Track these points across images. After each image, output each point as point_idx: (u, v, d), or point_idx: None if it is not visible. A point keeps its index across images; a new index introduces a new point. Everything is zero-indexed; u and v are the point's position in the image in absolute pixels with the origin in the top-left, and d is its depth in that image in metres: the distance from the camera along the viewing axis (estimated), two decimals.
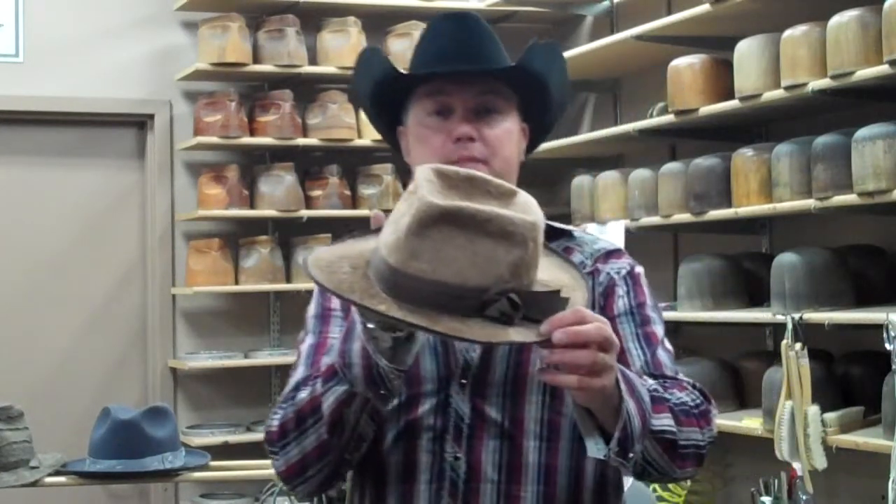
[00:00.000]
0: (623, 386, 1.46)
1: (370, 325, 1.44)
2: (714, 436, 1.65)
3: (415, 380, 1.62)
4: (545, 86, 1.75)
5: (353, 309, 1.46)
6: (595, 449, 1.47)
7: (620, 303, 1.71)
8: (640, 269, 1.77)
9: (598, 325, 1.38)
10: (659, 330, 1.72)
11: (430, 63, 1.71)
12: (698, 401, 1.64)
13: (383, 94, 1.75)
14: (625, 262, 1.75)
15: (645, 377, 1.60)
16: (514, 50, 1.72)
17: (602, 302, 1.70)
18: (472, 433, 1.62)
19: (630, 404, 1.46)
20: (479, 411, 1.62)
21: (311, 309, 1.73)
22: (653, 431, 1.53)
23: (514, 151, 1.73)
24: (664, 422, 1.55)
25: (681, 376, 1.69)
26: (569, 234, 1.77)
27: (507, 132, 1.71)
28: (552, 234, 1.68)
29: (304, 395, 1.59)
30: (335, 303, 1.69)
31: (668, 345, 1.73)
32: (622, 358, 1.56)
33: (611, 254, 1.75)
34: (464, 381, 1.62)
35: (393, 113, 1.77)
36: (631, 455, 1.48)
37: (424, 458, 1.62)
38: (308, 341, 1.70)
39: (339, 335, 1.58)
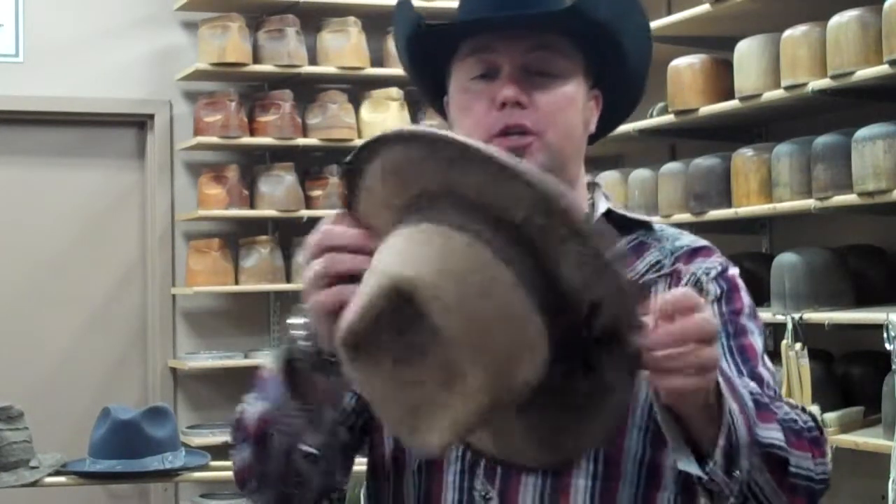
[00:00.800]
0: (723, 383, 1.16)
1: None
2: (828, 473, 1.34)
3: (436, 462, 1.36)
4: (616, 40, 1.43)
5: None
6: (689, 465, 1.16)
7: (711, 309, 1.33)
8: (734, 271, 1.46)
9: (701, 315, 1.10)
10: (758, 343, 1.39)
11: (471, 12, 1.41)
12: (810, 423, 1.31)
13: (420, 55, 1.47)
14: (715, 262, 1.44)
15: (744, 378, 1.30)
16: None
17: None
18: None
19: (734, 407, 1.17)
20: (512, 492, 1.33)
21: None
22: (759, 444, 1.20)
23: (576, 122, 1.41)
24: (773, 434, 1.23)
25: (787, 399, 1.37)
26: (647, 227, 1.47)
27: (567, 98, 1.40)
28: (623, 226, 1.41)
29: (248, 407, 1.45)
30: None
31: (768, 362, 1.39)
32: None
33: (697, 252, 1.44)
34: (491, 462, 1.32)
35: (441, 79, 1.48)
36: (737, 474, 1.17)
37: (450, 496, 1.35)
38: None
39: None
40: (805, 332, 3.46)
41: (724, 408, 1.15)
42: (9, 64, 5.11)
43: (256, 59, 5.15)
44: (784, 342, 3.47)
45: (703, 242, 1.47)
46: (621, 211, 1.46)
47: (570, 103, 1.40)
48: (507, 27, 1.37)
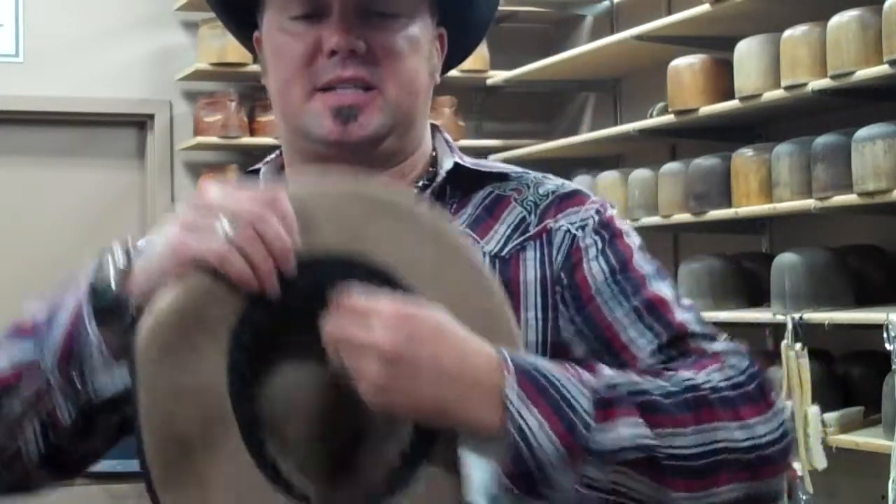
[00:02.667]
0: (512, 390, 0.95)
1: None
2: (777, 432, 1.06)
3: None
4: None
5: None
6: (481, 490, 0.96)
7: (595, 268, 1.13)
8: (612, 212, 1.18)
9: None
10: (662, 287, 1.14)
11: None
12: (739, 377, 1.05)
13: None
14: (590, 209, 1.17)
15: (601, 365, 1.03)
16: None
17: (567, 278, 1.14)
18: None
19: (527, 417, 0.95)
20: None
21: None
22: (592, 452, 0.96)
23: (421, 72, 1.18)
24: (620, 433, 0.97)
25: (719, 346, 1.11)
26: (502, 177, 1.21)
27: (412, 42, 1.16)
28: (476, 180, 1.20)
29: None
30: None
31: (685, 301, 1.15)
32: (626, 355, 1.09)
33: (566, 199, 1.17)
34: None
35: (249, 12, 1.24)
36: (547, 493, 0.96)
37: None
38: None
39: None
40: (805, 332, 3.46)
41: (506, 427, 0.95)
42: (9, 64, 5.11)
43: (256, 59, 5.13)
44: (784, 342, 3.47)
45: (572, 186, 1.21)
46: (470, 163, 1.22)
47: (415, 49, 1.16)
48: None
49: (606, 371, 1.02)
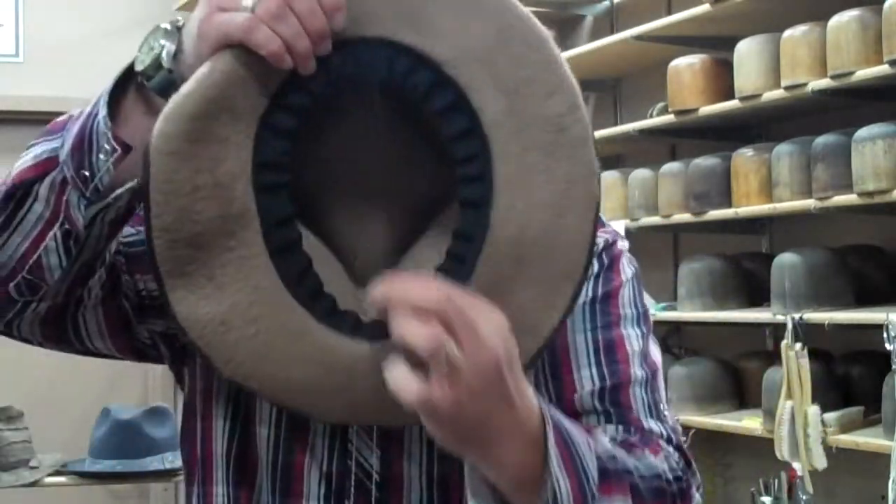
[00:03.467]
0: (553, 450, 0.94)
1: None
2: None
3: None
4: None
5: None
6: None
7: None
8: (623, 245, 1.19)
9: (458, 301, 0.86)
10: (633, 336, 1.12)
11: None
12: (678, 472, 1.07)
13: None
14: (602, 235, 1.16)
15: (597, 429, 1.06)
16: None
17: None
18: (385, 498, 1.11)
19: (560, 481, 0.94)
20: (395, 465, 1.11)
21: None
22: None
23: None
24: None
25: (654, 424, 1.10)
26: None
27: None
28: None
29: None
30: None
31: (651, 362, 1.13)
32: (567, 381, 1.09)
33: None
34: None
35: None
36: None
37: (316, 468, 1.11)
38: None
39: None
40: (805, 332, 3.46)
41: (547, 486, 0.93)
42: (9, 64, 5.11)
43: None
44: (784, 342, 3.47)
45: None
46: None
47: None
48: None
49: (601, 437, 1.02)
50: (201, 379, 1.16)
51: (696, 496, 1.09)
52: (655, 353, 1.16)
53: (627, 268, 1.17)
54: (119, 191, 1.01)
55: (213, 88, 0.92)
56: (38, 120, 5.27)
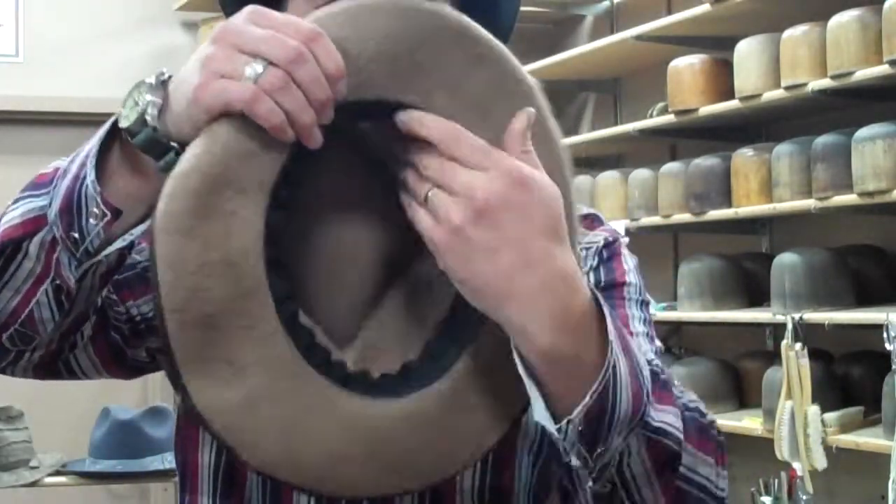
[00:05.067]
0: (612, 330, 0.89)
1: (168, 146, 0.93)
2: (726, 492, 1.01)
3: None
4: None
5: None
6: (542, 415, 0.90)
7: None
8: (623, 240, 1.19)
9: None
10: (635, 315, 1.12)
11: None
12: (714, 424, 1.02)
13: None
14: (599, 234, 1.17)
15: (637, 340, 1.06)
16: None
17: None
18: None
19: (621, 365, 0.89)
20: None
21: None
22: (647, 426, 0.92)
23: None
24: (667, 419, 0.95)
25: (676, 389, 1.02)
26: None
27: None
28: None
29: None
30: None
31: (657, 342, 1.14)
32: None
33: (582, 220, 1.16)
34: None
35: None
36: (600, 451, 0.90)
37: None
38: None
39: None
40: (805, 332, 3.46)
41: (607, 359, 0.88)
42: (9, 64, 5.11)
43: None
44: (784, 342, 3.47)
45: (587, 210, 1.21)
46: None
47: None
48: None
49: (646, 346, 1.02)
50: None
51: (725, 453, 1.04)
52: (655, 339, 1.15)
53: (629, 259, 1.18)
54: (110, 249, 0.99)
55: (217, 164, 0.88)
56: (38, 120, 5.30)
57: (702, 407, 1.02)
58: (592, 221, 1.20)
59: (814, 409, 3.41)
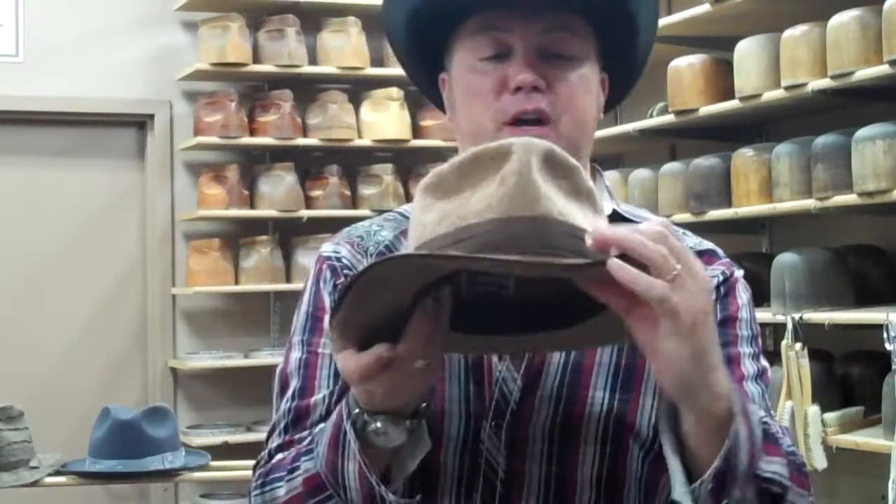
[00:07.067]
0: (736, 401, 1.08)
1: (376, 425, 1.11)
2: None
3: (436, 413, 1.22)
4: (634, 21, 1.33)
5: (342, 407, 1.14)
6: (678, 484, 1.08)
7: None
8: (738, 274, 1.35)
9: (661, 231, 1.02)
10: (747, 353, 1.27)
11: None
12: (802, 456, 1.24)
13: (421, 29, 1.33)
14: (718, 269, 1.33)
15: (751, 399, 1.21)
16: None
17: None
18: (507, 493, 1.22)
19: (742, 431, 1.07)
20: (518, 463, 1.22)
21: (303, 300, 1.34)
22: (760, 477, 1.12)
23: (590, 108, 1.31)
24: (776, 469, 1.14)
25: (773, 422, 1.22)
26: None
27: (585, 82, 1.29)
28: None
29: (280, 491, 1.23)
30: (326, 306, 1.32)
31: (765, 378, 1.29)
32: None
33: (699, 256, 1.24)
34: (499, 421, 1.22)
35: (434, 56, 1.35)
36: (724, 503, 1.08)
37: (451, 462, 1.23)
38: (295, 353, 1.32)
39: (328, 350, 1.27)
40: (805, 332, 3.46)
41: (732, 426, 1.06)
42: (9, 64, 5.11)
43: (256, 59, 5.15)
44: (784, 342, 3.47)
45: (707, 245, 1.39)
46: (625, 211, 1.37)
47: (586, 88, 1.30)
48: (528, 2, 1.26)
49: (757, 409, 1.18)
50: None
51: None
52: (767, 368, 1.32)
53: (743, 293, 1.33)
54: None
55: None
56: (38, 120, 5.30)
57: (795, 448, 1.21)
58: (711, 257, 1.36)
59: (814, 409, 3.41)
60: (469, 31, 1.29)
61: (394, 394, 1.09)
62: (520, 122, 1.26)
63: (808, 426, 3.40)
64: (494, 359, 1.24)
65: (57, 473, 3.64)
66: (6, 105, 5.06)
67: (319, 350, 1.29)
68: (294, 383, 1.29)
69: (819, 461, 3.40)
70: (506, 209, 1.02)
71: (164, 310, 5.30)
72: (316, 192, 5.25)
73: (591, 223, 1.05)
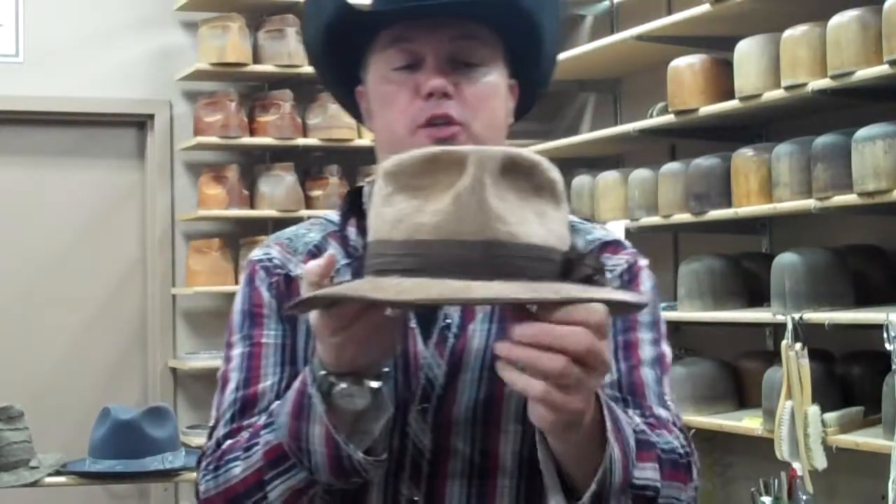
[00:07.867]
0: (609, 425, 1.15)
1: (341, 387, 1.16)
2: (696, 495, 1.33)
3: None
4: (537, 29, 1.40)
5: (306, 374, 1.19)
6: (555, 496, 1.17)
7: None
8: (643, 263, 1.42)
9: (583, 330, 1.06)
10: (646, 339, 1.36)
11: (392, 1, 1.35)
12: (687, 447, 1.32)
13: (337, 43, 1.40)
14: (622, 258, 1.40)
15: (629, 411, 1.29)
16: None
17: None
18: (433, 471, 1.31)
19: (615, 452, 1.16)
20: (443, 443, 1.30)
21: (237, 303, 1.40)
22: (633, 486, 1.22)
23: (500, 112, 1.39)
24: (647, 475, 1.24)
25: (662, 411, 1.33)
26: None
27: (492, 87, 1.37)
28: None
29: (236, 469, 1.26)
30: (265, 300, 1.38)
31: (663, 362, 1.38)
32: None
33: (607, 247, 1.40)
34: (425, 405, 1.30)
35: (351, 69, 1.43)
36: None
37: (375, 498, 1.31)
38: (236, 350, 1.36)
39: (272, 339, 1.34)
40: (805, 332, 3.46)
41: (606, 452, 1.14)
42: (9, 64, 5.11)
43: (256, 59, 5.15)
44: (784, 342, 3.47)
45: (613, 236, 1.45)
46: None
47: (494, 93, 1.37)
48: (435, 14, 1.33)
49: (634, 416, 1.28)
50: None
51: (696, 469, 1.33)
52: (667, 353, 1.39)
53: (647, 280, 1.41)
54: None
55: None
56: (38, 120, 5.29)
57: (678, 441, 1.31)
58: (616, 247, 1.42)
59: (814, 409, 3.41)
60: (382, 44, 1.37)
61: (363, 346, 1.14)
62: (433, 124, 1.33)
63: (808, 426, 3.40)
64: (420, 346, 1.31)
65: (57, 473, 3.65)
66: (6, 105, 5.06)
67: (263, 340, 1.35)
68: (237, 376, 1.34)
69: (819, 461, 3.40)
70: (456, 230, 1.07)
71: (164, 310, 5.30)
72: (316, 192, 5.25)
73: (548, 227, 1.10)
